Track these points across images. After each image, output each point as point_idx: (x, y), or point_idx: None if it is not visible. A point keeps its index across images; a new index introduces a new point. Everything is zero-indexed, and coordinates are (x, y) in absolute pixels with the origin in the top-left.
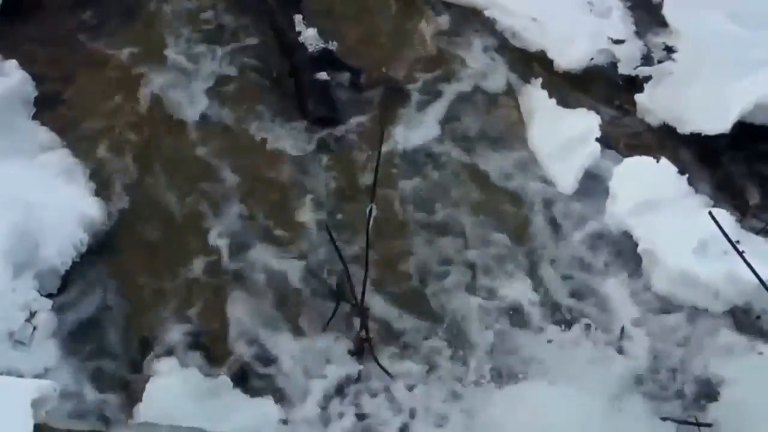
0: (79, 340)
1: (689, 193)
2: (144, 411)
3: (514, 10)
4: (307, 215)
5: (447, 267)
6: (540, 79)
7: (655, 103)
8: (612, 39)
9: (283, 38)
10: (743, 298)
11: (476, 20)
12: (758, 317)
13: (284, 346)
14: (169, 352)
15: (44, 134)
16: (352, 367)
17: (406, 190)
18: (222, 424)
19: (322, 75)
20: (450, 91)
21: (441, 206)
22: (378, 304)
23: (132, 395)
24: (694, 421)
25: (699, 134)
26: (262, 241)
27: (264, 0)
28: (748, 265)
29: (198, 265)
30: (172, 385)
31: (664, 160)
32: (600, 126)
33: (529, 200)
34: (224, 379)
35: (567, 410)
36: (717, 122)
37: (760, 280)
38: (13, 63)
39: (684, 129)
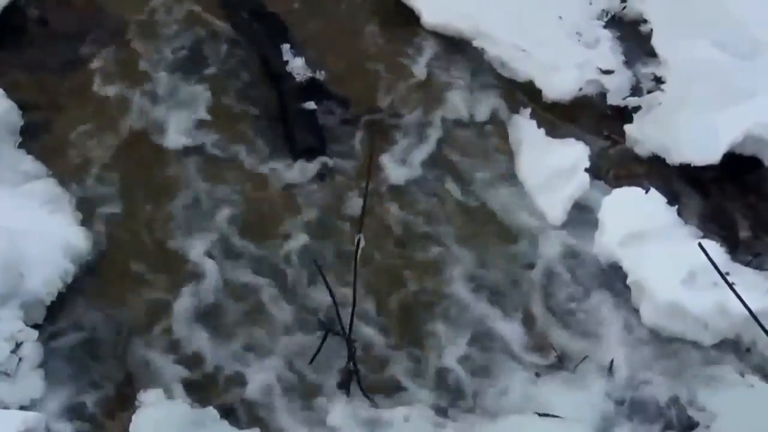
0: (65, 371)
1: (678, 224)
2: None
3: (503, 40)
4: (294, 246)
5: (435, 299)
6: (528, 110)
7: (644, 134)
8: (601, 69)
9: (270, 67)
10: (733, 331)
11: (464, 50)
12: (748, 349)
13: (272, 377)
14: (156, 383)
15: (30, 163)
16: (340, 399)
17: (395, 221)
18: None
19: (310, 105)
20: (438, 121)
21: (429, 237)
22: (366, 336)
23: (118, 427)
24: None
25: (688, 165)
26: (248, 272)
27: (251, 29)
28: (738, 296)
29: (184, 296)
30: (158, 417)
31: (653, 191)
32: (589, 156)
33: (517, 231)
34: (211, 411)
35: None
36: (706, 153)
37: (750, 312)
38: None
39: (673, 159)
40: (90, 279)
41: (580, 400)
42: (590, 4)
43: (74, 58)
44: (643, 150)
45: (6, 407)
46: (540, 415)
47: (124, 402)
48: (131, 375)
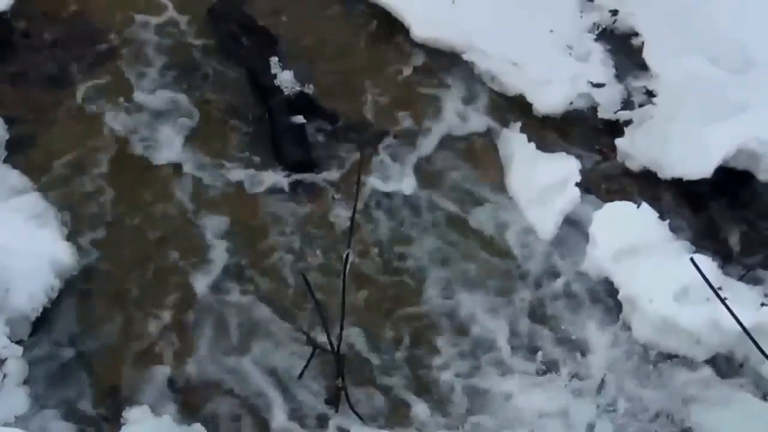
0: (51, 387)
1: (670, 238)
2: None
3: (493, 54)
4: (282, 261)
5: (425, 315)
6: (519, 123)
7: (635, 148)
8: (592, 83)
9: (259, 81)
10: (726, 346)
11: (454, 64)
12: (741, 365)
13: (259, 393)
14: (142, 400)
15: (16, 177)
16: (328, 416)
17: (384, 235)
18: None
19: (298, 118)
20: (428, 135)
21: (419, 252)
22: (355, 352)
23: None
24: None
25: (680, 179)
26: (236, 287)
27: (239, 42)
28: (731, 312)
29: (171, 311)
30: None
31: (644, 206)
32: (580, 171)
33: (508, 246)
34: (198, 428)
35: None
36: (698, 167)
37: (743, 327)
38: None
39: (665, 174)
40: (76, 294)
41: (572, 416)
42: (581, 17)
43: (61, 72)
44: (634, 164)
45: None
46: None
47: (109, 419)
48: (117, 391)
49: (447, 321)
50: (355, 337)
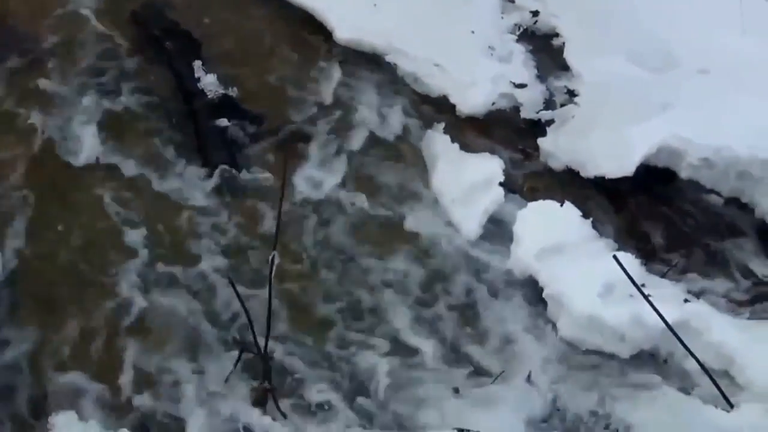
0: None
1: (593, 236)
2: None
3: (416, 56)
4: (207, 263)
5: (351, 315)
6: (443, 124)
7: (558, 147)
8: (514, 83)
9: (183, 85)
10: (650, 342)
11: (377, 66)
12: (665, 361)
13: (186, 396)
14: (68, 406)
15: None
16: (256, 418)
17: (309, 237)
18: None
19: (222, 122)
20: (352, 136)
21: (344, 253)
22: (281, 353)
23: None
24: None
25: (602, 177)
26: (161, 290)
27: (163, 46)
28: (654, 308)
29: (96, 315)
30: None
31: (567, 204)
32: (503, 170)
33: (432, 246)
34: None
35: None
36: (620, 165)
37: (666, 323)
38: None
39: (587, 172)
40: (0, 302)
41: (499, 415)
42: (502, 18)
43: None
44: (557, 163)
45: None
46: (459, 430)
47: (35, 426)
48: (42, 399)
49: (374, 322)
50: (282, 339)
